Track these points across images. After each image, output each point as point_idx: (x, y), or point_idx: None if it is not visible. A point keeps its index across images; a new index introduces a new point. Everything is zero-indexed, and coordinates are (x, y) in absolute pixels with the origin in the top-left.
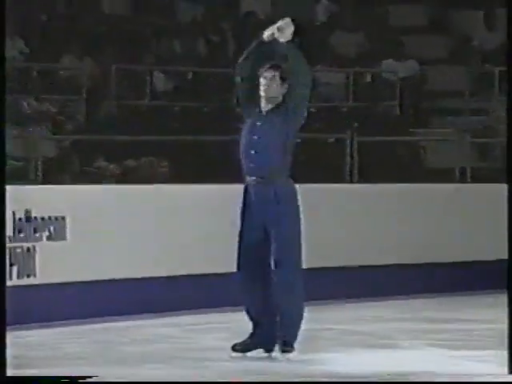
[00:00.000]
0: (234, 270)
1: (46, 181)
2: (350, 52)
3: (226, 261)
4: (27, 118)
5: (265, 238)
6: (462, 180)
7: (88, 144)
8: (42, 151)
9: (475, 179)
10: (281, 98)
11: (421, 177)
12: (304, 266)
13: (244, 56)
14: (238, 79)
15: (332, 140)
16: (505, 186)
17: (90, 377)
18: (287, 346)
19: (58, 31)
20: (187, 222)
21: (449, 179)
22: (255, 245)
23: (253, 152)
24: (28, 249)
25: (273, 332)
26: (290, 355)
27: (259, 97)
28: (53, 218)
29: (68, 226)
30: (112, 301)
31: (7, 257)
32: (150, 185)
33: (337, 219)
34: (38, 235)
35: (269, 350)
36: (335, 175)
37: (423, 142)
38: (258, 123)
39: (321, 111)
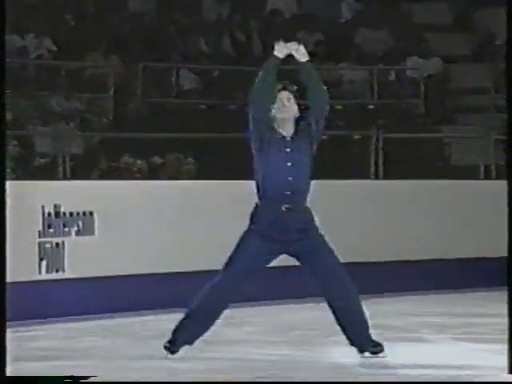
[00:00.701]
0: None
1: (74, 177)
2: (375, 49)
3: None
4: (55, 115)
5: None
6: (487, 177)
7: (115, 141)
8: (71, 148)
9: (500, 176)
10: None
11: (446, 173)
12: None
13: (261, 77)
14: (255, 104)
15: (358, 137)
16: None
17: (89, 376)
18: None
19: (85, 30)
20: (212, 219)
21: (474, 176)
22: (250, 266)
23: (290, 179)
24: (57, 244)
25: None
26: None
27: (273, 121)
28: (81, 214)
29: (96, 221)
30: (139, 295)
31: (37, 251)
32: (176, 181)
33: (362, 215)
34: (66, 230)
35: None
36: (361, 172)
37: (448, 139)
38: (288, 149)
39: (346, 108)
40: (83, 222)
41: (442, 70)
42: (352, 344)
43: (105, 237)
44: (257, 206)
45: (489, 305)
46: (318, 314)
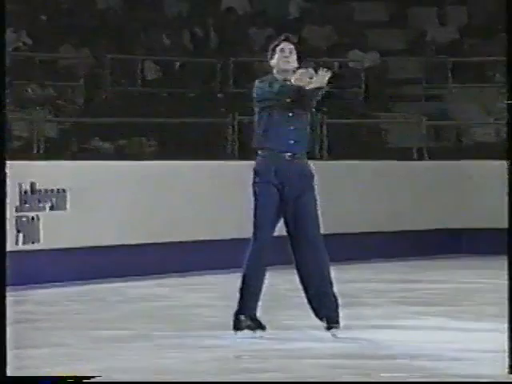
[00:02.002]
0: (213, 237)
1: (48, 158)
2: (320, 44)
3: (206, 228)
4: (31, 102)
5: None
6: (420, 158)
7: (85, 125)
8: (45, 131)
9: (431, 157)
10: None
11: (382, 155)
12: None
13: (272, 92)
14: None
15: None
16: (457, 163)
17: (93, 377)
18: (335, 323)
19: (58, 25)
20: (172, 194)
21: (407, 157)
22: (273, 215)
23: (292, 128)
24: (32, 218)
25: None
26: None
27: (273, 72)
28: (55, 191)
29: (68, 197)
30: (108, 264)
31: (14, 225)
32: (139, 161)
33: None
34: (41, 205)
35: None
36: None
37: (385, 124)
38: (287, 100)
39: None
40: (56, 199)
41: (379, 62)
42: (317, 315)
43: (76, 212)
44: (259, 158)
45: (423, 272)
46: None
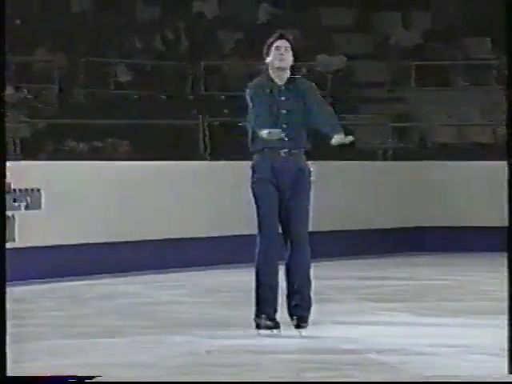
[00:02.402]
0: (185, 235)
1: (23, 158)
2: None
3: (179, 226)
4: (7, 104)
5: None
6: (385, 159)
7: (60, 127)
8: (20, 133)
9: (396, 158)
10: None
11: (350, 156)
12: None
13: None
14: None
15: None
16: (420, 163)
17: (94, 377)
18: (305, 322)
19: (33, 29)
20: (145, 193)
21: (373, 158)
22: (275, 211)
23: (285, 126)
24: (8, 217)
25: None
26: (304, 331)
27: (266, 69)
28: (29, 191)
29: (43, 197)
30: (81, 262)
31: None
32: (113, 162)
33: None
34: (16, 205)
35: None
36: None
37: (351, 126)
38: (282, 98)
39: None
40: (31, 198)
41: (346, 65)
42: (290, 313)
43: (50, 211)
44: (255, 156)
45: (388, 269)
46: (239, 278)
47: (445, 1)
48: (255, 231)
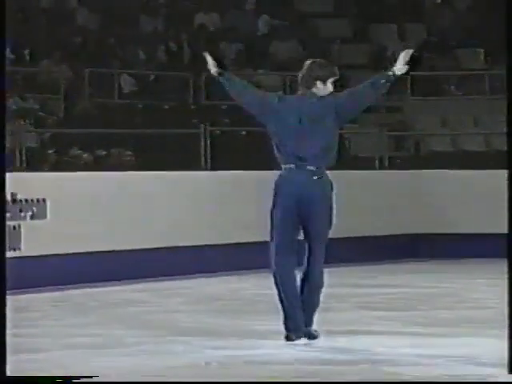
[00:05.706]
0: (190, 243)
1: (29, 168)
2: (287, 58)
3: (184, 234)
4: (13, 113)
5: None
6: (381, 167)
7: (64, 136)
8: (26, 142)
9: (392, 167)
10: None
11: (345, 164)
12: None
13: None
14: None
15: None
16: (415, 172)
17: (91, 376)
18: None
19: (40, 41)
20: (148, 203)
21: (369, 166)
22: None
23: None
24: (14, 227)
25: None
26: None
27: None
28: (35, 201)
29: (48, 207)
30: (86, 270)
31: None
32: (117, 172)
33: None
34: (22, 215)
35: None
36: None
37: (348, 135)
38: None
39: None
40: (37, 208)
41: (342, 75)
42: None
43: (56, 220)
44: (280, 174)
45: (385, 276)
46: (236, 286)
47: (438, 13)
48: (260, 238)
